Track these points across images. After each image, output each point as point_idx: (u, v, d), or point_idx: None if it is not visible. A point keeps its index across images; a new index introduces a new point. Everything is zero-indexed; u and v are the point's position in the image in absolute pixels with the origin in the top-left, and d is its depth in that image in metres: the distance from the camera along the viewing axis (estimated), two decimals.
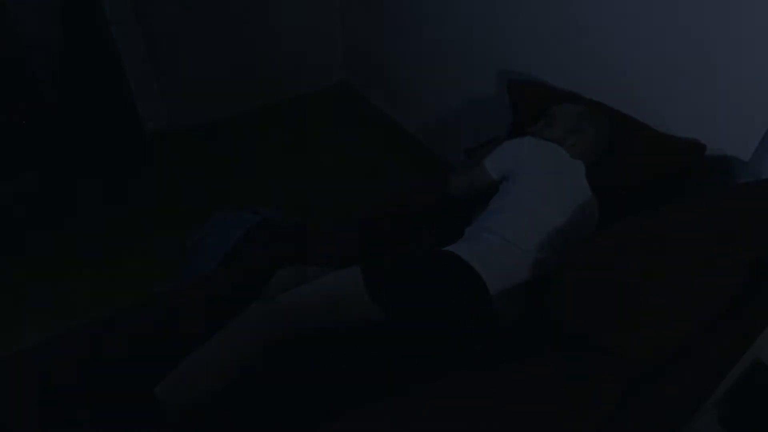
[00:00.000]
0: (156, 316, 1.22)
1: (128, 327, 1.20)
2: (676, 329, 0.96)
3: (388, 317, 1.07)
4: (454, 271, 1.12)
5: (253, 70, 2.76)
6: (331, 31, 2.92)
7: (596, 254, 1.08)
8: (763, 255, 1.05)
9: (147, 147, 2.57)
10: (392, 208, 1.59)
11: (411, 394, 0.82)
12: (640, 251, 1.00)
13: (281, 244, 1.56)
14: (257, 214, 1.84)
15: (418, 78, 2.49)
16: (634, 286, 0.96)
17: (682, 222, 1.01)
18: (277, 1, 2.62)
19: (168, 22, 2.37)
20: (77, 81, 2.48)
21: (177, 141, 2.60)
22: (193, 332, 1.12)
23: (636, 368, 0.93)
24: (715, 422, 1.40)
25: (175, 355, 1.04)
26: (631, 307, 0.95)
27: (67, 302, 1.82)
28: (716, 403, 1.40)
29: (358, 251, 1.38)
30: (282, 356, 1.09)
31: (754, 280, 1.07)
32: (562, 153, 1.35)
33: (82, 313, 1.76)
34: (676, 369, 0.96)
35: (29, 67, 2.37)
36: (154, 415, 0.98)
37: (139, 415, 1.01)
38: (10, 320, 1.76)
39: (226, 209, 1.93)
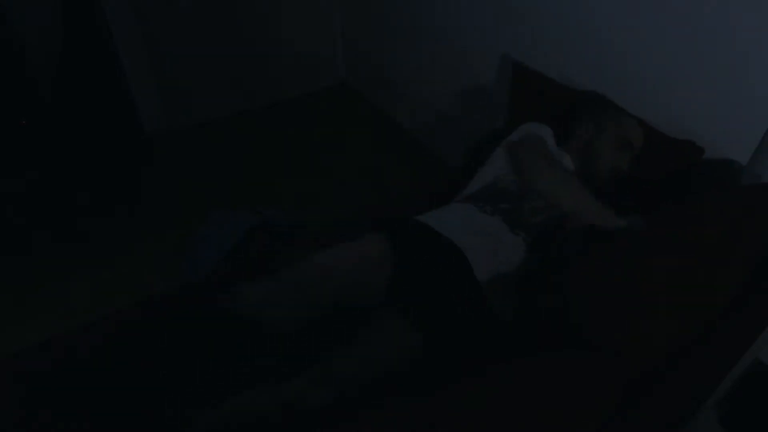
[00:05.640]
0: (156, 317, 1.22)
1: (129, 327, 1.20)
2: (676, 329, 0.96)
3: (394, 276, 1.14)
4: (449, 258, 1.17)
5: (253, 70, 2.76)
6: (331, 31, 2.92)
7: (596, 255, 1.08)
8: (761, 256, 1.05)
9: (146, 147, 2.57)
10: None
11: (408, 395, 0.82)
12: (639, 252, 1.00)
13: (281, 243, 1.56)
14: (257, 214, 1.84)
15: (417, 78, 2.48)
16: (634, 287, 0.96)
17: (682, 223, 1.01)
18: (276, 1, 2.62)
19: (167, 22, 2.37)
20: (77, 81, 2.48)
21: (177, 141, 2.60)
22: (194, 332, 1.12)
23: (636, 368, 0.93)
24: (715, 422, 1.40)
25: (175, 355, 1.04)
26: (631, 307, 0.95)
27: (67, 302, 1.82)
28: (716, 403, 1.39)
29: None
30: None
31: (753, 281, 1.07)
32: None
33: (82, 313, 1.76)
34: (676, 369, 0.96)
35: (29, 67, 2.37)
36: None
37: (137, 415, 1.01)
38: (10, 320, 1.76)
39: (226, 209, 1.93)
